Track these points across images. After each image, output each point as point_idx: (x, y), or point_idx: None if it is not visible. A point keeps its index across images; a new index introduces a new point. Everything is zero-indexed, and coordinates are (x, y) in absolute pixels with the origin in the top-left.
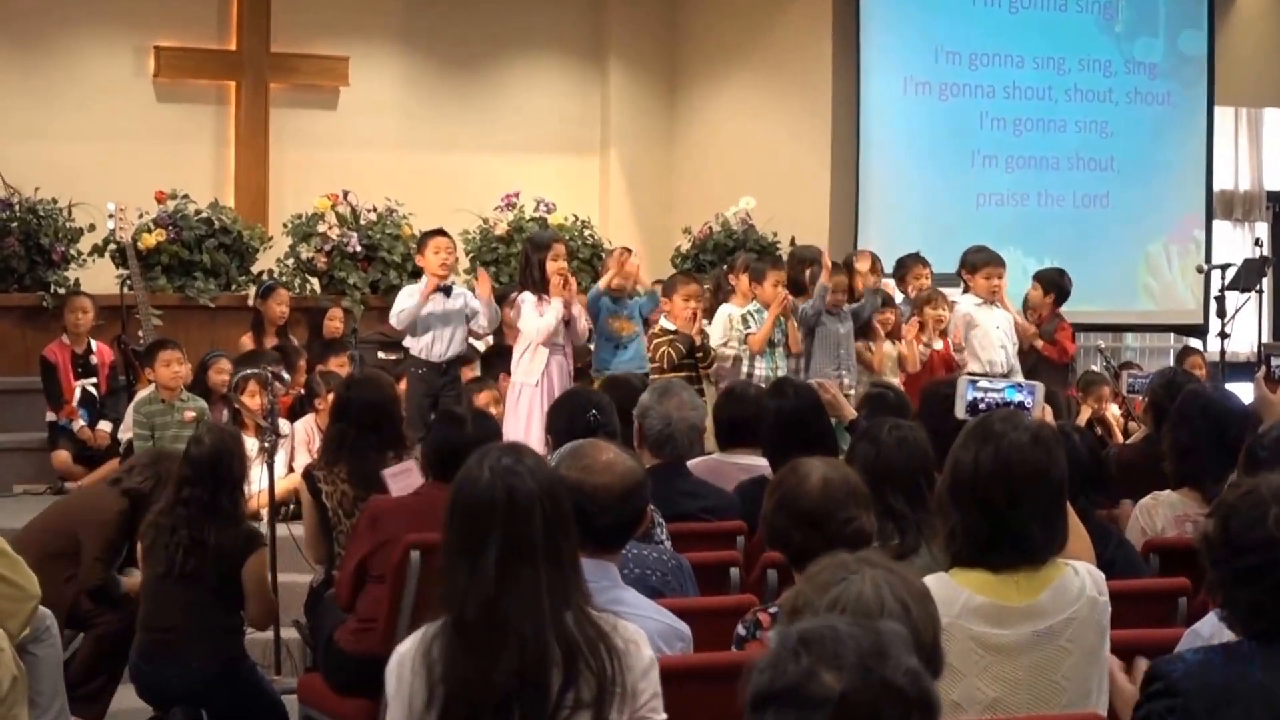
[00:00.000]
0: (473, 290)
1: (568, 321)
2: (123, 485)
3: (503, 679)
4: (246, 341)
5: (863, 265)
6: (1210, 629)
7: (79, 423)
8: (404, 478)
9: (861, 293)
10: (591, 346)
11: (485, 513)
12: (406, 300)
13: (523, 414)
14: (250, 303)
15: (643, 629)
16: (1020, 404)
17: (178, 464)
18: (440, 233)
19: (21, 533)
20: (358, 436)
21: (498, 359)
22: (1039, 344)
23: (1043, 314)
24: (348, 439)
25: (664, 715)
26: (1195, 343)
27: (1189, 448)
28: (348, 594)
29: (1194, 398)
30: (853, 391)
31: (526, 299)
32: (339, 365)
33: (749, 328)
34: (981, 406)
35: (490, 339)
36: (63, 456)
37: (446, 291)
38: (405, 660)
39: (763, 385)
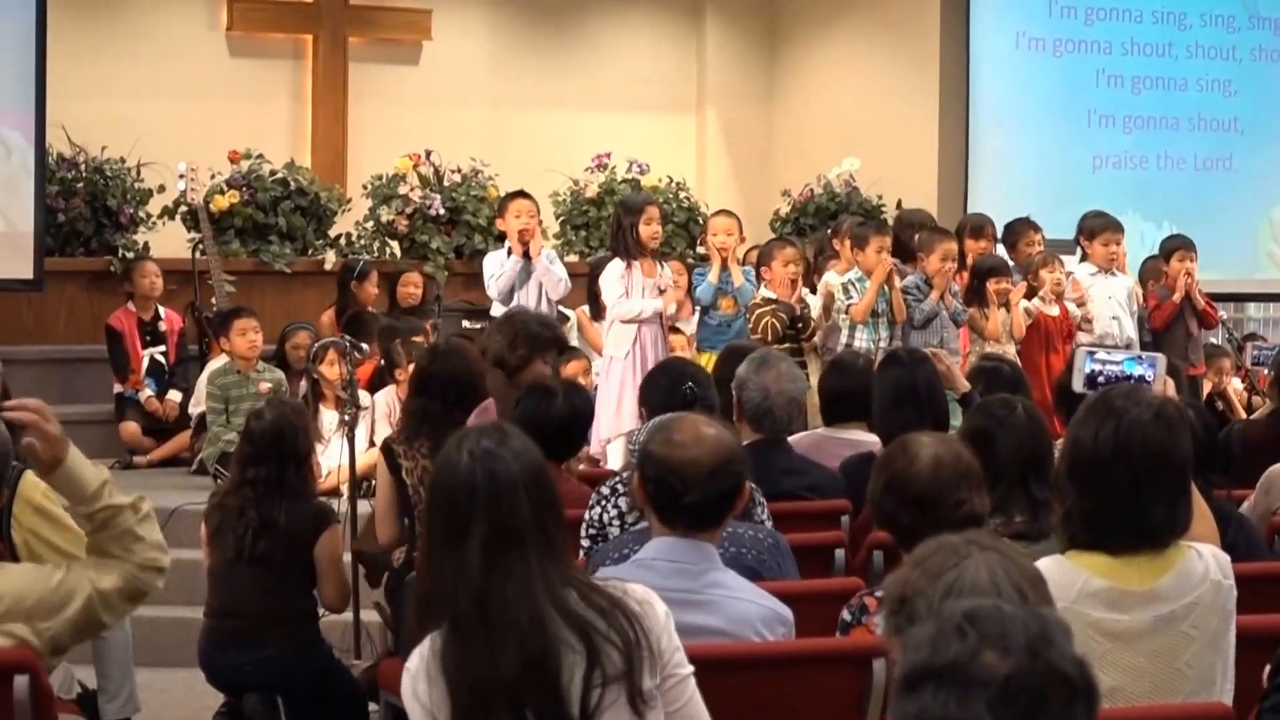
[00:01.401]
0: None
1: (663, 290)
2: (489, 355)
3: (509, 672)
4: (328, 320)
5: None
6: None
7: (146, 393)
8: (482, 419)
9: (978, 258)
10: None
11: (466, 499)
12: (496, 266)
13: (614, 387)
14: (328, 267)
15: (743, 613)
16: (1140, 377)
17: (239, 442)
18: (522, 195)
19: None
20: (440, 410)
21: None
22: (1201, 302)
23: (1192, 281)
24: (430, 413)
25: (691, 668)
26: None
27: None
28: None
29: None
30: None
31: (612, 268)
32: (420, 335)
33: (850, 298)
34: (1100, 380)
35: (585, 306)
36: (131, 428)
37: (528, 255)
38: (419, 677)
39: (867, 356)
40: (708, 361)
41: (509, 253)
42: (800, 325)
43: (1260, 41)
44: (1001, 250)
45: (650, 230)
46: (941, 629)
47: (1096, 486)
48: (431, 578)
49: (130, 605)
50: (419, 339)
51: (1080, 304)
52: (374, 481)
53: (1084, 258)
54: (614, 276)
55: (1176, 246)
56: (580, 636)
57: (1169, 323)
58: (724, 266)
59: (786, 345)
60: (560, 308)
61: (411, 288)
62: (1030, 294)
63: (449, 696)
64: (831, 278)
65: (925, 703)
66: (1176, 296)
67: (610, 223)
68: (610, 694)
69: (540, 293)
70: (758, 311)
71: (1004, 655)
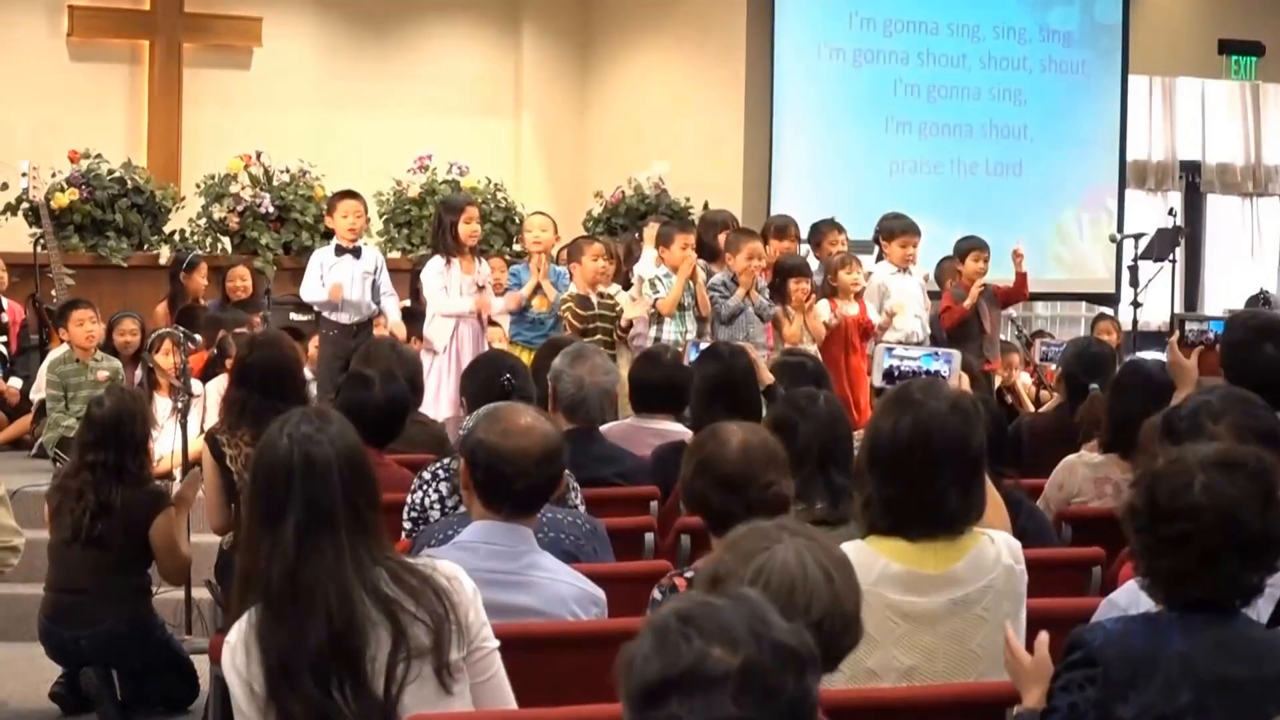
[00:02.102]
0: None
1: (482, 286)
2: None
3: (315, 646)
4: (161, 312)
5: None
6: (1127, 598)
7: None
8: None
9: (780, 258)
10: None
11: (283, 481)
12: (316, 278)
13: (432, 378)
14: (162, 262)
15: (558, 593)
16: (936, 372)
17: (80, 427)
18: (350, 195)
19: None
20: (260, 399)
21: (409, 321)
22: (1002, 286)
23: (970, 279)
24: (250, 402)
25: (497, 642)
26: (1109, 311)
27: (1128, 417)
28: None
29: (1136, 368)
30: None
31: (432, 265)
32: (244, 326)
33: (657, 292)
34: (898, 375)
35: (407, 300)
36: None
37: (356, 254)
38: (237, 649)
39: (675, 349)
40: (523, 354)
41: (337, 250)
42: (615, 318)
43: (1050, 53)
44: (807, 250)
45: (469, 229)
46: (663, 638)
47: (895, 475)
48: (249, 555)
49: None
50: (243, 330)
51: (888, 313)
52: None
53: (880, 257)
54: (434, 273)
55: (971, 247)
56: (387, 615)
57: (958, 325)
58: (539, 265)
59: (599, 337)
60: (385, 300)
61: (239, 281)
62: (830, 293)
63: (262, 665)
64: (644, 270)
65: (673, 712)
66: (968, 303)
67: (431, 221)
68: (415, 668)
69: (361, 292)
70: (564, 305)
71: (732, 648)
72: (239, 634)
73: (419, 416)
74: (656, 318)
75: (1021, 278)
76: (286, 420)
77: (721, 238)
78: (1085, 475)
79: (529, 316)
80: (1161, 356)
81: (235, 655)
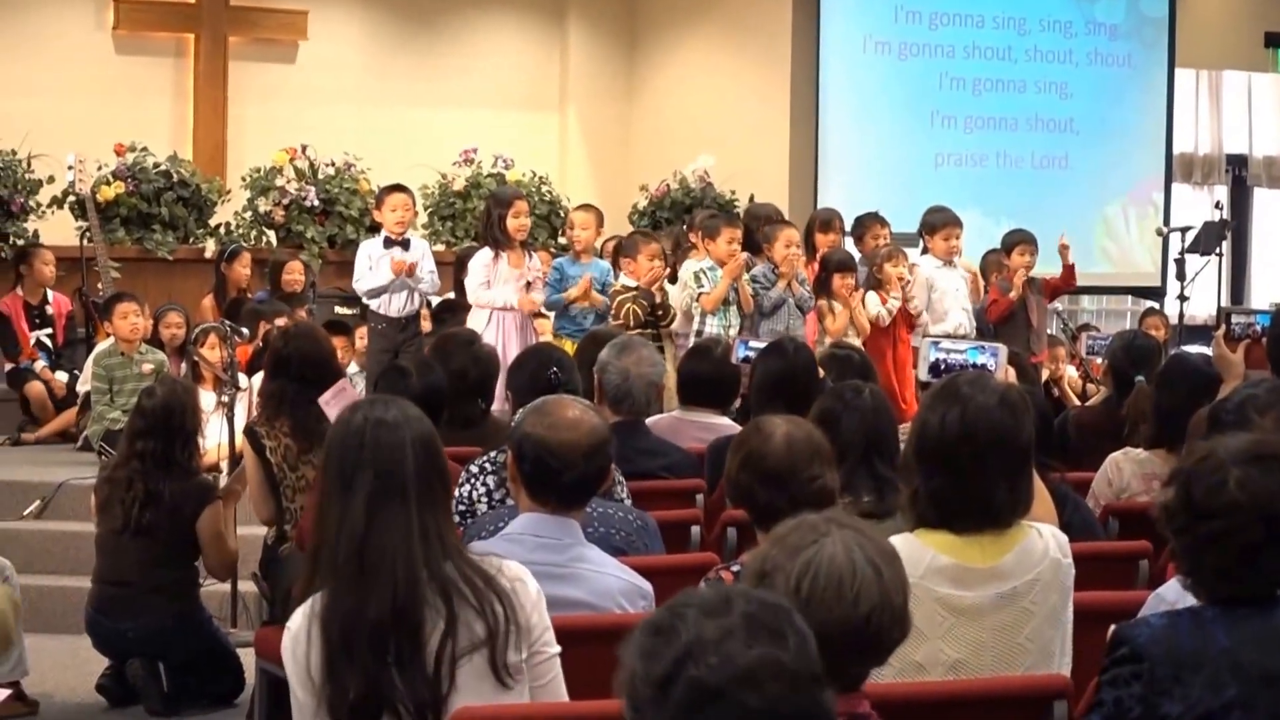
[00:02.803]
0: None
1: (530, 282)
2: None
3: (376, 615)
4: (208, 304)
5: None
6: (1175, 594)
7: (40, 363)
8: (341, 398)
9: (827, 252)
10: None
11: (355, 450)
12: (365, 269)
13: None
14: (208, 255)
15: (605, 586)
16: (983, 366)
17: (130, 417)
18: (399, 189)
19: None
20: (297, 389)
21: (449, 315)
22: (1049, 278)
23: (1014, 273)
24: (287, 393)
25: (558, 648)
26: (1156, 305)
27: (1173, 411)
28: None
29: (1181, 362)
30: None
31: (479, 256)
32: (283, 317)
33: (701, 286)
34: (944, 368)
35: (451, 294)
36: (38, 388)
37: (405, 246)
38: (299, 637)
39: (725, 343)
40: (566, 346)
41: (385, 243)
42: (660, 312)
43: (1096, 46)
44: (850, 243)
45: (517, 223)
46: (657, 634)
47: (943, 468)
48: (320, 530)
49: None
50: (282, 321)
51: (908, 299)
52: None
53: (925, 250)
54: (480, 264)
55: (1017, 241)
56: (444, 599)
57: (1004, 317)
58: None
59: (648, 331)
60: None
61: (295, 275)
62: (875, 285)
63: (322, 640)
64: (689, 265)
65: (691, 675)
66: (1014, 294)
67: (481, 215)
68: (465, 658)
69: (410, 285)
70: (619, 298)
71: (725, 612)
72: (303, 620)
73: (495, 419)
74: (700, 312)
75: (1069, 269)
76: (360, 404)
77: (762, 232)
78: (1133, 472)
79: (573, 310)
80: (1207, 350)
81: (296, 644)
